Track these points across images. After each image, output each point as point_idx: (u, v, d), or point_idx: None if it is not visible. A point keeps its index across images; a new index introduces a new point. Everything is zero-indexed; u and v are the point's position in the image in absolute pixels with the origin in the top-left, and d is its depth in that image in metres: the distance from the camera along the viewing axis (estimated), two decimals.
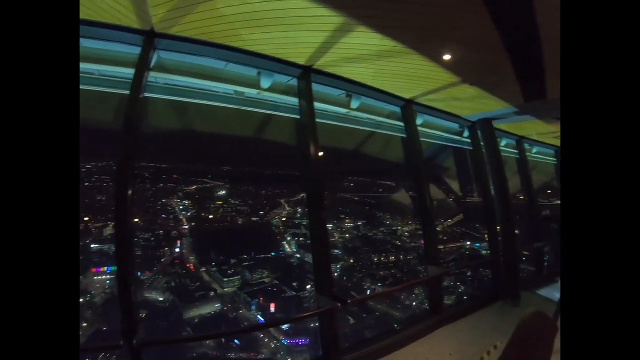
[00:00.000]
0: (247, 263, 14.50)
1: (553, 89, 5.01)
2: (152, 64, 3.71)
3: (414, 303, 13.50)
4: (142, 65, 3.45)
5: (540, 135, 9.52)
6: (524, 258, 9.94)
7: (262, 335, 12.06)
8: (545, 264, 9.26)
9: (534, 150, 10.46)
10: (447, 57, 4.16)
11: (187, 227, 14.87)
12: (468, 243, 15.95)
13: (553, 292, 6.90)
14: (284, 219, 16.16)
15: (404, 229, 16.54)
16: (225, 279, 13.78)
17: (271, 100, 4.92)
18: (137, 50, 3.48)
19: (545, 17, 3.04)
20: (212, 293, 13.44)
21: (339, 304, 4.06)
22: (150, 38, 3.49)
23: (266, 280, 14.26)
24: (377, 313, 13.55)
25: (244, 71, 4.44)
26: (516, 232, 8.47)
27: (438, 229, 15.72)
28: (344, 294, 13.48)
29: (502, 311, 6.26)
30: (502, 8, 2.97)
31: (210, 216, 15.50)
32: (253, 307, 13.27)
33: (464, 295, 12.94)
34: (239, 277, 13.98)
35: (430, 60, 4.25)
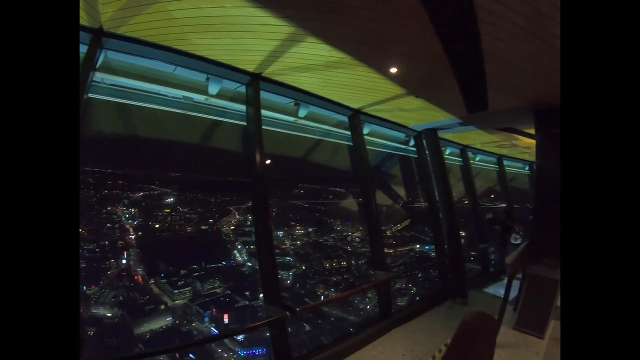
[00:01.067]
0: (197, 273, 13.94)
1: (494, 102, 5.33)
2: (99, 63, 3.60)
3: (368, 307, 13.71)
4: (88, 64, 3.34)
5: (483, 145, 10.14)
6: (472, 258, 10.50)
7: (219, 350, 11.68)
8: (492, 263, 9.83)
9: (477, 158, 11.11)
10: (393, 69, 4.35)
11: (134, 236, 14.05)
12: (418, 246, 16.56)
13: (499, 290, 7.32)
14: (233, 227, 15.77)
15: (354, 234, 16.82)
16: (175, 291, 13.16)
17: (220, 107, 4.85)
18: (83, 49, 3.36)
19: (487, 34, 3.25)
20: (162, 306, 12.79)
21: (288, 313, 4.05)
22: (98, 37, 3.38)
23: (218, 290, 13.80)
24: (332, 319, 13.60)
25: (192, 76, 4.39)
26: (463, 234, 8.90)
27: (388, 233, 16.20)
28: (297, 302, 13.43)
29: (452, 310, 6.60)
30: (446, 24, 3.12)
31: (158, 225, 14.77)
32: (206, 319, 12.82)
33: (416, 296, 13.36)
34: (189, 288, 13.42)
35: (377, 72, 4.43)
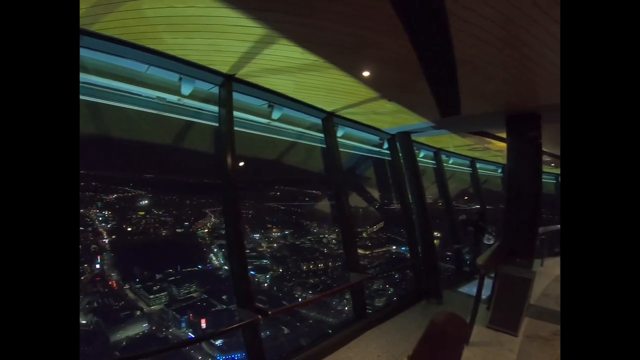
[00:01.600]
0: (173, 278, 13.71)
1: (467, 106, 5.44)
2: None
3: (346, 308, 13.78)
4: None
5: (457, 148, 10.34)
6: (447, 259, 10.71)
7: (199, 357, 11.49)
8: (466, 263, 10.04)
9: (451, 161, 11.33)
10: (366, 73, 4.37)
11: (107, 240, 13.66)
12: (394, 247, 16.77)
13: (473, 289, 7.48)
14: (209, 230, 15.55)
15: (330, 236, 16.90)
16: (151, 296, 12.90)
17: (193, 107, 4.79)
18: None
19: (459, 41, 3.31)
20: (138, 312, 12.49)
21: (260, 316, 4.03)
22: None
23: (194, 295, 13.60)
24: (310, 321, 13.60)
25: (165, 76, 4.31)
26: (437, 235, 9.02)
27: (364, 235, 16.34)
28: (274, 304, 13.36)
29: (427, 310, 6.70)
30: (419, 30, 3.17)
31: (132, 228, 14.39)
32: (183, 325, 12.59)
33: (393, 296, 13.53)
34: (165, 293, 13.16)
35: (351, 75, 4.44)
